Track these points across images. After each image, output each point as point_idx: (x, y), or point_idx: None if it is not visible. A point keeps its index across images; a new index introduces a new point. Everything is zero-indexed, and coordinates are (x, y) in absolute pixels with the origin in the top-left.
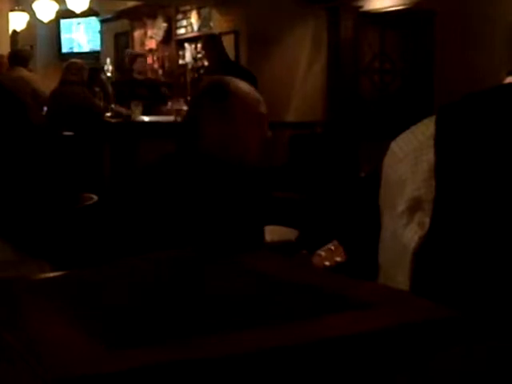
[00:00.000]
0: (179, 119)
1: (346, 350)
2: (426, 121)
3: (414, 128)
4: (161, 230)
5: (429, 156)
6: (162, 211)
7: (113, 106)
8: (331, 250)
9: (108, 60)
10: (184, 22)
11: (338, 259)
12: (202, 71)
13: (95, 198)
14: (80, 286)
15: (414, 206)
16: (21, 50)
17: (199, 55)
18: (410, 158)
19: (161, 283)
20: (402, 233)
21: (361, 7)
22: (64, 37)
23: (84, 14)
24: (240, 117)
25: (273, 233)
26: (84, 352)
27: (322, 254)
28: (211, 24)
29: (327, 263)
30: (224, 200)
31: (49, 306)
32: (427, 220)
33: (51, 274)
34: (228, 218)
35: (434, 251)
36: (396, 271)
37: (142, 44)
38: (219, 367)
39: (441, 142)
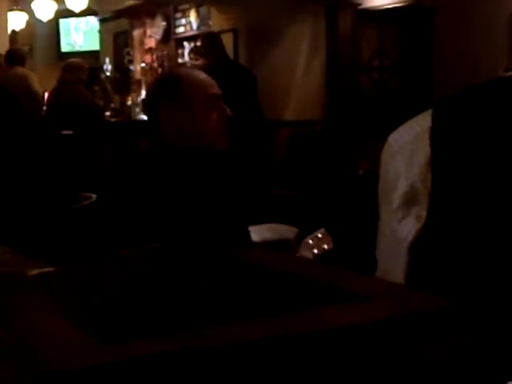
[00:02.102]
0: None
1: (339, 341)
2: (423, 114)
3: (410, 121)
4: (141, 227)
5: (425, 149)
6: (142, 208)
7: (112, 104)
8: (319, 237)
9: (107, 59)
10: (183, 21)
11: (326, 247)
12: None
13: (94, 197)
14: (72, 281)
15: (410, 200)
16: (16, 48)
17: (192, 53)
18: (406, 150)
19: (153, 276)
20: (398, 227)
21: (359, 4)
22: (63, 36)
23: (83, 14)
24: (196, 101)
25: (272, 231)
26: (76, 346)
27: (310, 241)
28: (210, 22)
29: (315, 251)
30: (197, 189)
31: (41, 301)
32: (424, 213)
33: (43, 270)
34: (204, 208)
35: (431, 244)
36: (393, 265)
37: (142, 43)
38: (212, 358)
39: (437, 135)
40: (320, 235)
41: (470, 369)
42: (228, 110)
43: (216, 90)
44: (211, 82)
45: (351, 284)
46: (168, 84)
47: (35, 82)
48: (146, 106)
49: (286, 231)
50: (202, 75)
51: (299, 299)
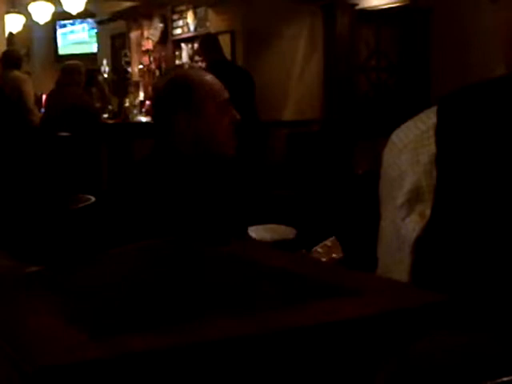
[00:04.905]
0: None
1: (331, 336)
2: (426, 111)
3: (414, 119)
4: (147, 228)
5: (430, 146)
6: (147, 211)
7: (110, 106)
8: (328, 246)
9: (105, 61)
10: (180, 23)
11: (335, 256)
12: None
13: (92, 199)
14: (66, 278)
15: (415, 198)
16: (12, 50)
17: (196, 55)
18: (410, 148)
19: (147, 271)
20: (402, 225)
21: (356, 5)
22: (60, 38)
23: (80, 16)
24: (208, 107)
25: (271, 231)
26: (68, 342)
27: (319, 250)
28: (207, 24)
29: (324, 259)
30: (207, 194)
31: (32, 297)
32: (428, 211)
33: (36, 268)
34: (212, 212)
35: (434, 241)
36: (395, 262)
37: (139, 45)
38: (205, 353)
39: (442, 132)
40: (330, 243)
41: (468, 364)
42: (237, 114)
43: (226, 94)
44: (221, 86)
45: (344, 279)
46: (180, 88)
47: (29, 86)
48: (156, 109)
49: (285, 231)
50: (213, 79)
51: (290, 294)
